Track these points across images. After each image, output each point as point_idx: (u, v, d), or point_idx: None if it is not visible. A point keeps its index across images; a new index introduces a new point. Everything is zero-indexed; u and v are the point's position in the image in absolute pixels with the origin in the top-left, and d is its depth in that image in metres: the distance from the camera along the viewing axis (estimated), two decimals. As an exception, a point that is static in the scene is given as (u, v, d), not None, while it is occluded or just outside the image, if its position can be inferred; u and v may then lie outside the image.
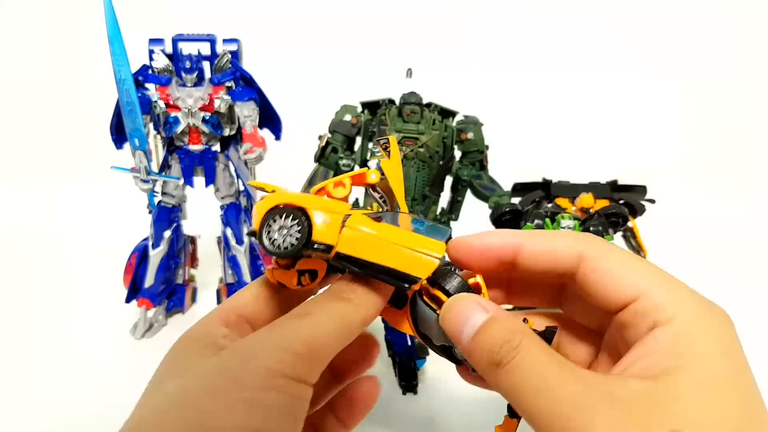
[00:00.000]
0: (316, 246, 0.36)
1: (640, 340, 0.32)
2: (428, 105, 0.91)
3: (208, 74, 0.96)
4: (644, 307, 0.32)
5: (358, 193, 0.94)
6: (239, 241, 1.02)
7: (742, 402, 0.29)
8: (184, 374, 0.33)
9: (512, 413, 0.38)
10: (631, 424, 0.28)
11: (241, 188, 1.04)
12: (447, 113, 0.92)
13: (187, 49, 0.95)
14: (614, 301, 0.34)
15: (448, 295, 0.37)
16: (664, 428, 0.27)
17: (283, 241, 0.37)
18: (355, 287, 0.37)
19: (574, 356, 0.40)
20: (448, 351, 0.39)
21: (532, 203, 0.90)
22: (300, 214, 0.37)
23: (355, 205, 0.90)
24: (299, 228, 0.36)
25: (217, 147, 1.01)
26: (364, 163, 0.93)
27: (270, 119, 1.01)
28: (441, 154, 0.90)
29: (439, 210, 0.96)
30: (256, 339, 0.34)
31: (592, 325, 0.40)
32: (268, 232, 0.37)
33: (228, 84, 0.96)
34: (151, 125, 0.95)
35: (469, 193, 0.96)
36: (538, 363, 0.31)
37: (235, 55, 0.97)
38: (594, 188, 0.88)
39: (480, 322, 0.34)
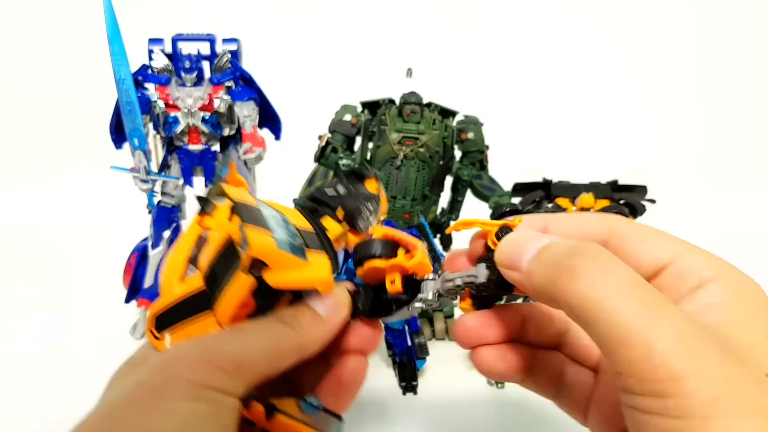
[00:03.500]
0: None
1: (686, 297, 0.31)
2: (428, 105, 0.91)
3: (207, 74, 0.96)
4: (682, 268, 0.32)
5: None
6: (239, 241, 1.02)
7: None
8: (113, 390, 0.34)
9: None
10: (733, 358, 0.26)
11: (241, 188, 1.04)
12: (447, 113, 0.92)
13: (187, 48, 0.94)
14: (649, 266, 0.33)
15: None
16: (758, 368, 0.27)
17: None
18: (304, 312, 0.36)
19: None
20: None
21: (533, 203, 0.89)
22: None
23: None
24: None
25: (216, 147, 1.01)
26: (363, 163, 0.93)
27: (270, 119, 1.01)
28: (441, 154, 0.90)
29: (439, 210, 0.96)
30: (180, 350, 0.33)
31: None
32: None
33: (228, 84, 0.96)
34: (150, 125, 0.95)
35: (469, 193, 0.96)
36: (620, 267, 0.30)
37: (235, 55, 0.96)
38: (594, 188, 0.88)
39: (538, 246, 0.33)
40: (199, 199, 0.40)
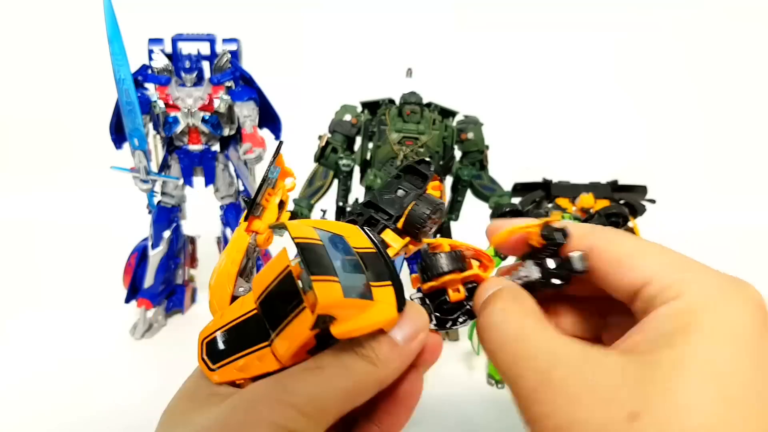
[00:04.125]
0: None
1: (645, 318, 0.30)
2: (428, 105, 0.91)
3: (207, 74, 0.96)
4: (654, 290, 0.30)
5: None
6: (239, 242, 1.02)
7: (746, 402, 0.25)
8: (186, 423, 0.32)
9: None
10: (593, 397, 0.26)
11: (241, 188, 1.04)
12: (447, 113, 0.92)
13: (187, 48, 0.94)
14: (626, 289, 0.32)
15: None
16: (622, 409, 0.25)
17: None
18: (381, 343, 0.34)
19: None
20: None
21: (533, 203, 0.89)
22: None
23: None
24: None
25: (216, 147, 1.01)
26: (363, 163, 0.93)
27: (270, 119, 1.01)
28: (441, 154, 0.90)
29: (439, 210, 0.96)
30: (260, 390, 0.32)
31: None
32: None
33: (227, 84, 0.96)
34: (150, 125, 0.95)
35: (469, 193, 0.96)
36: (512, 310, 0.32)
37: (235, 55, 0.96)
38: (594, 188, 0.88)
39: (491, 290, 0.36)
40: (246, 201, 0.39)
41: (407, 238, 0.39)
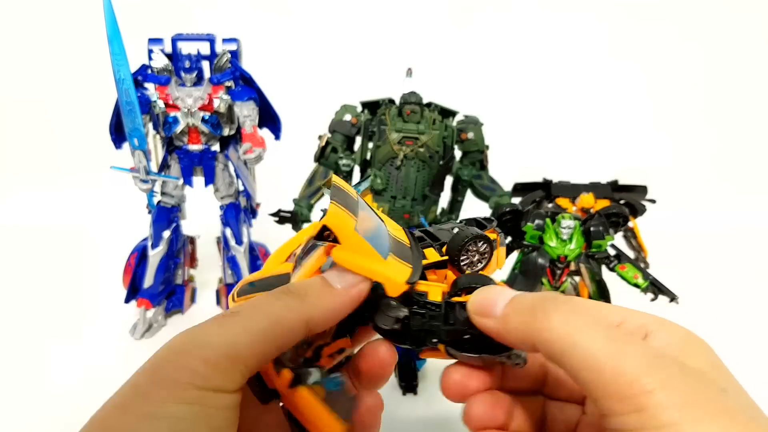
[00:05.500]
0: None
1: None
2: (428, 105, 0.91)
3: (207, 74, 0.96)
4: (629, 326, 0.33)
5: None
6: (239, 242, 1.02)
7: None
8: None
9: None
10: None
11: (241, 188, 1.04)
12: (447, 113, 0.92)
13: (187, 48, 0.94)
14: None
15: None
16: None
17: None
18: (314, 281, 0.35)
19: (562, 415, 0.41)
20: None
21: (533, 203, 0.89)
22: None
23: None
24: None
25: (216, 147, 1.01)
26: (363, 163, 0.93)
27: (270, 119, 1.00)
28: (441, 154, 0.89)
29: (439, 210, 0.96)
30: (169, 346, 0.31)
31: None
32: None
33: (227, 84, 0.96)
34: (150, 125, 0.95)
35: (469, 193, 0.95)
36: (587, 306, 0.32)
37: (235, 55, 0.96)
38: (594, 188, 0.88)
39: (510, 297, 0.35)
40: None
41: (446, 257, 0.40)
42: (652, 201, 0.90)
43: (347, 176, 0.93)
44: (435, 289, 0.38)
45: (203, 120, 0.95)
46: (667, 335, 0.32)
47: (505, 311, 0.35)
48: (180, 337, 0.31)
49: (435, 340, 0.38)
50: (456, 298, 0.38)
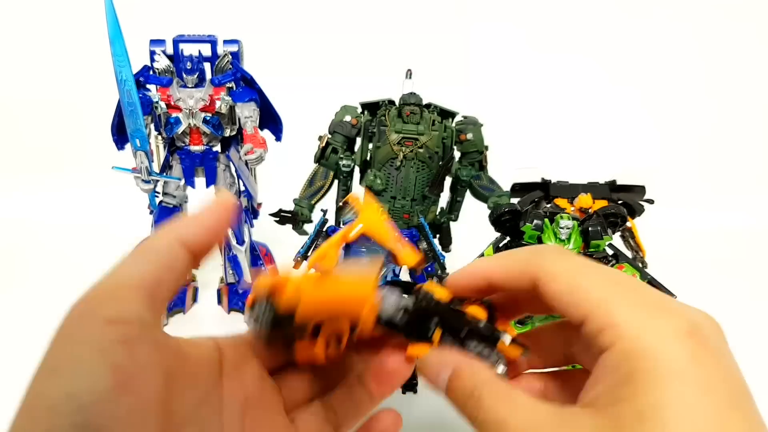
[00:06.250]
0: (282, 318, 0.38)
1: (594, 365, 0.31)
2: (428, 106, 0.91)
3: (209, 75, 0.97)
4: (590, 331, 0.31)
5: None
6: (240, 241, 1.02)
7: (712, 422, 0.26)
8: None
9: None
10: None
11: (242, 189, 1.04)
12: (446, 114, 0.92)
13: (188, 50, 0.95)
14: (574, 322, 0.33)
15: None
16: None
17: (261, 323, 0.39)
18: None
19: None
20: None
21: (531, 203, 0.90)
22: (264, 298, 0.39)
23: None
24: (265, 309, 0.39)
25: (218, 147, 1.01)
26: (363, 164, 0.93)
27: (271, 120, 1.01)
28: (440, 155, 0.90)
29: (438, 210, 0.97)
30: (92, 287, 0.33)
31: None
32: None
33: (229, 85, 0.96)
34: (152, 126, 0.96)
35: (468, 194, 0.96)
36: (496, 403, 0.32)
37: (236, 56, 0.97)
38: (593, 188, 0.88)
39: (447, 375, 0.36)
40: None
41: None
42: (651, 201, 0.90)
43: (347, 176, 0.94)
44: (441, 290, 0.39)
45: (205, 121, 0.96)
46: (624, 347, 0.31)
47: (448, 394, 0.36)
48: (102, 278, 0.34)
49: (435, 321, 0.38)
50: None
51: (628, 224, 0.91)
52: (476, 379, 0.34)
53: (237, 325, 1.02)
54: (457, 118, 0.94)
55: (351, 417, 0.42)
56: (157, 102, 0.94)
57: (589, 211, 0.85)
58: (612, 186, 0.90)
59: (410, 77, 0.90)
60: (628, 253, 0.93)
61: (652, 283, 0.81)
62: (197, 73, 0.94)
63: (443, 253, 0.94)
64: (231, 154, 1.01)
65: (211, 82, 0.95)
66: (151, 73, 0.95)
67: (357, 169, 0.95)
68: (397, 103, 0.91)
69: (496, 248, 0.87)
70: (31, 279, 1.19)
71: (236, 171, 1.02)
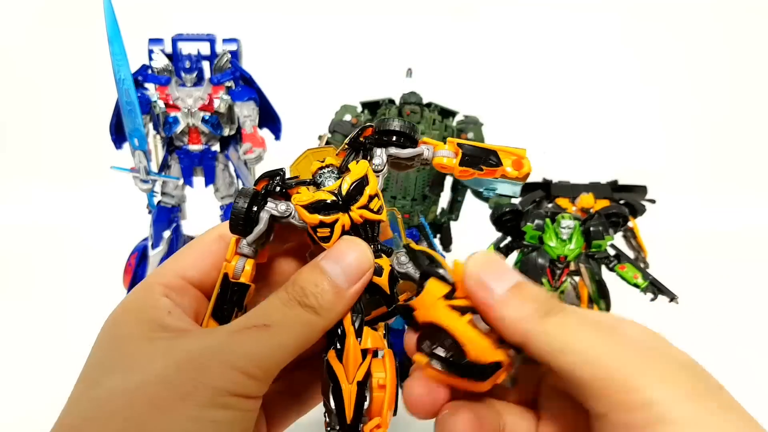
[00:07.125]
0: None
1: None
2: (428, 105, 0.91)
3: (207, 74, 0.96)
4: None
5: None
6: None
7: None
8: (125, 370, 0.33)
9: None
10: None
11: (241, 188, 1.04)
12: (447, 113, 0.92)
13: (187, 48, 0.95)
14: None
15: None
16: None
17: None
18: (324, 288, 0.35)
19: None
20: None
21: (533, 203, 0.89)
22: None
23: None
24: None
25: (216, 147, 1.01)
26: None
27: (270, 119, 1.01)
28: (441, 154, 0.90)
29: (439, 210, 0.96)
30: (206, 351, 0.32)
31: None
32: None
33: (227, 84, 0.96)
34: (150, 125, 0.95)
35: (469, 193, 0.96)
36: (586, 317, 0.31)
37: (235, 55, 0.96)
38: (594, 188, 0.88)
39: (516, 280, 0.33)
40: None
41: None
42: (652, 201, 0.90)
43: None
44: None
45: (203, 120, 0.95)
46: (633, 331, 0.31)
47: (506, 297, 0.33)
48: (214, 340, 0.33)
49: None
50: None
51: (630, 224, 0.90)
52: (542, 294, 0.33)
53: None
54: (458, 118, 0.94)
55: None
56: (155, 101, 0.93)
57: (591, 210, 0.84)
58: (614, 186, 0.89)
59: (410, 76, 0.90)
60: (630, 253, 0.92)
61: (654, 283, 0.81)
62: (196, 72, 0.94)
63: (444, 252, 0.94)
64: (230, 154, 1.00)
65: (210, 81, 0.95)
66: (149, 72, 0.94)
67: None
68: (397, 102, 0.90)
69: (497, 248, 0.87)
70: (31, 279, 1.18)
71: (235, 170, 1.01)
